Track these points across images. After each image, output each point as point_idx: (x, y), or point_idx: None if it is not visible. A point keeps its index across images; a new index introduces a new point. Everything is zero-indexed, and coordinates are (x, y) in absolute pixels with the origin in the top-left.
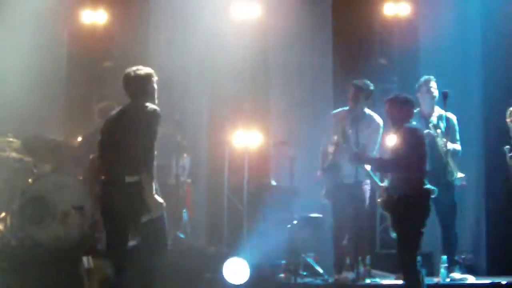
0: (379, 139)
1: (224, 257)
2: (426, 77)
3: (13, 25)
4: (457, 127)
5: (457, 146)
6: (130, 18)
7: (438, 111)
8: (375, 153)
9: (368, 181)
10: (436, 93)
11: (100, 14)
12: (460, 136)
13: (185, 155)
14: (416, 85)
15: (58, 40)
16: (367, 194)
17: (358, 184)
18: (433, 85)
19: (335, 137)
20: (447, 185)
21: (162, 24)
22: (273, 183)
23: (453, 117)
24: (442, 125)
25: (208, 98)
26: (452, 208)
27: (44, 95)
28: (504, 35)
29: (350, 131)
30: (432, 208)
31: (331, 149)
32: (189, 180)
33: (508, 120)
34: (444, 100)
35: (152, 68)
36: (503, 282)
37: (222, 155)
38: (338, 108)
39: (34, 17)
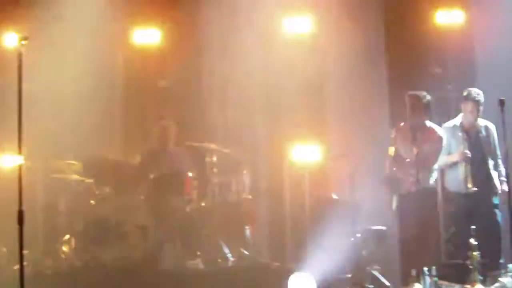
0: (441, 151)
1: (289, 273)
2: (475, 91)
3: (70, 50)
4: (495, 136)
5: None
6: (181, 36)
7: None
8: (436, 166)
9: (436, 188)
10: (481, 107)
11: (152, 33)
12: None
13: (244, 171)
14: (464, 95)
15: (113, 62)
16: (437, 202)
17: (428, 191)
18: (481, 99)
19: (393, 150)
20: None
21: (214, 40)
22: (335, 197)
23: (492, 127)
24: (481, 135)
25: (264, 112)
26: None
27: (102, 117)
28: None
29: None
30: None
31: (388, 161)
32: (249, 196)
33: None
34: (501, 108)
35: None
36: None
37: (281, 170)
38: (395, 119)
39: (90, 41)
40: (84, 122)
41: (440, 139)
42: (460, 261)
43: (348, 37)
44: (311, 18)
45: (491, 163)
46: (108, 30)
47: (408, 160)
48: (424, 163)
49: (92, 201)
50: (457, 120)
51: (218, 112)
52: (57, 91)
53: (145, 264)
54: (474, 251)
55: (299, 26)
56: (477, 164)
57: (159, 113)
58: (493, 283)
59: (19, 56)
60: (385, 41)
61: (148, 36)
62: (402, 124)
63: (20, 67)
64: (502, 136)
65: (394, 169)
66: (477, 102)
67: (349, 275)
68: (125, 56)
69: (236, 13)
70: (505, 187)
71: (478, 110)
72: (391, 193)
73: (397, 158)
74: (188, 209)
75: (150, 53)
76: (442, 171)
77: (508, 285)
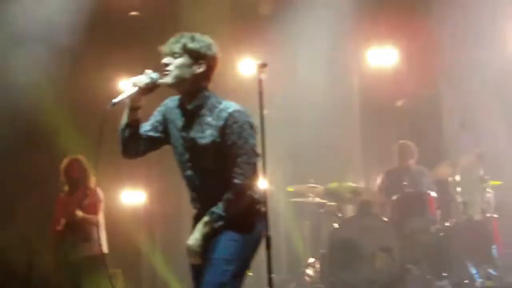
0: None
1: None
2: None
3: (306, 74)
4: None
5: None
6: (417, 55)
7: None
8: None
9: None
10: None
11: (388, 52)
12: None
13: (488, 189)
14: None
15: (350, 83)
16: None
17: None
18: None
19: None
20: None
21: (449, 58)
22: None
23: None
24: None
25: (506, 127)
26: None
27: (340, 138)
28: None
29: None
30: None
31: None
32: (495, 215)
33: None
34: None
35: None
36: None
37: None
38: None
39: (326, 63)
40: (322, 145)
41: None
42: None
43: None
44: None
45: None
46: (343, 52)
47: None
48: None
49: (335, 224)
50: None
51: (456, 130)
52: (295, 115)
53: (391, 286)
54: None
55: None
56: None
57: (397, 134)
58: None
59: (260, 83)
60: None
61: (384, 56)
62: None
63: (261, 93)
64: None
65: None
66: None
67: None
68: (362, 77)
69: (470, 29)
70: None
71: None
72: None
73: None
74: (432, 229)
75: (386, 73)
76: None
77: None
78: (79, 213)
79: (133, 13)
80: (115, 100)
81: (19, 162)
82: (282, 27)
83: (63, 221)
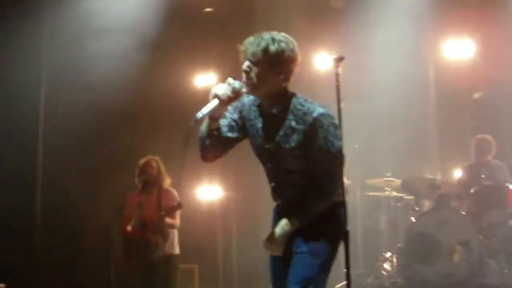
0: None
1: None
2: None
3: (381, 68)
4: None
5: None
6: (495, 46)
7: None
8: None
9: None
10: None
11: (465, 45)
12: None
13: None
14: None
15: (425, 76)
16: None
17: None
18: None
19: None
20: None
21: None
22: None
23: None
24: None
25: None
26: None
27: (416, 132)
28: None
29: None
30: None
31: None
32: None
33: None
34: None
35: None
36: None
37: None
38: None
39: (402, 56)
40: (399, 138)
41: None
42: None
43: None
44: None
45: None
46: (420, 44)
47: None
48: None
49: (412, 218)
50: None
51: None
52: (371, 108)
53: (469, 280)
54: None
55: None
56: None
57: (474, 126)
58: None
59: (336, 76)
60: None
61: (460, 48)
62: None
63: (338, 87)
64: None
65: None
66: None
67: None
68: (438, 69)
69: None
70: None
71: None
72: None
73: None
74: (511, 222)
75: (463, 65)
76: None
77: None
78: (168, 220)
79: (208, 9)
80: (198, 116)
81: (96, 153)
82: (357, 21)
83: (133, 220)
